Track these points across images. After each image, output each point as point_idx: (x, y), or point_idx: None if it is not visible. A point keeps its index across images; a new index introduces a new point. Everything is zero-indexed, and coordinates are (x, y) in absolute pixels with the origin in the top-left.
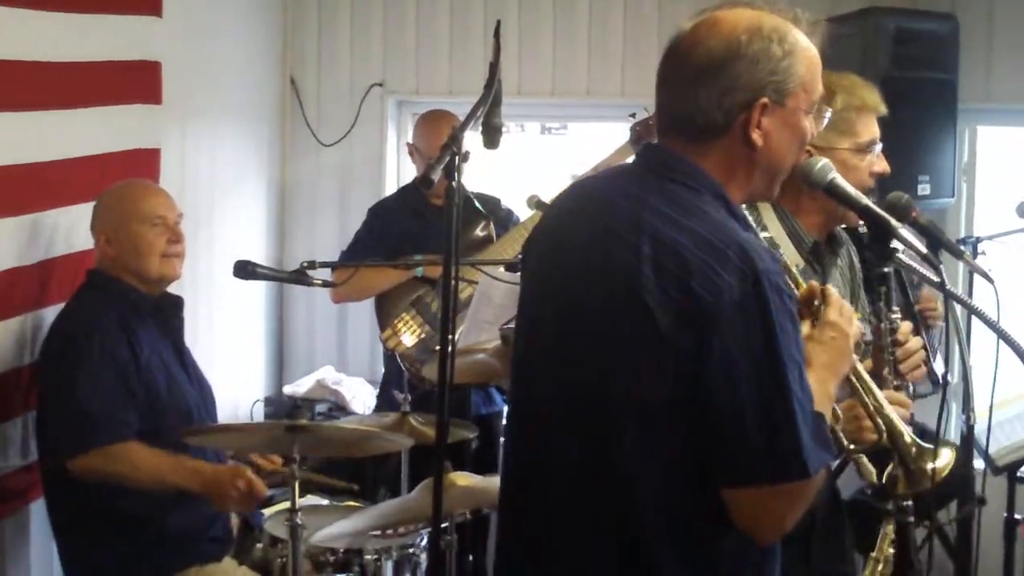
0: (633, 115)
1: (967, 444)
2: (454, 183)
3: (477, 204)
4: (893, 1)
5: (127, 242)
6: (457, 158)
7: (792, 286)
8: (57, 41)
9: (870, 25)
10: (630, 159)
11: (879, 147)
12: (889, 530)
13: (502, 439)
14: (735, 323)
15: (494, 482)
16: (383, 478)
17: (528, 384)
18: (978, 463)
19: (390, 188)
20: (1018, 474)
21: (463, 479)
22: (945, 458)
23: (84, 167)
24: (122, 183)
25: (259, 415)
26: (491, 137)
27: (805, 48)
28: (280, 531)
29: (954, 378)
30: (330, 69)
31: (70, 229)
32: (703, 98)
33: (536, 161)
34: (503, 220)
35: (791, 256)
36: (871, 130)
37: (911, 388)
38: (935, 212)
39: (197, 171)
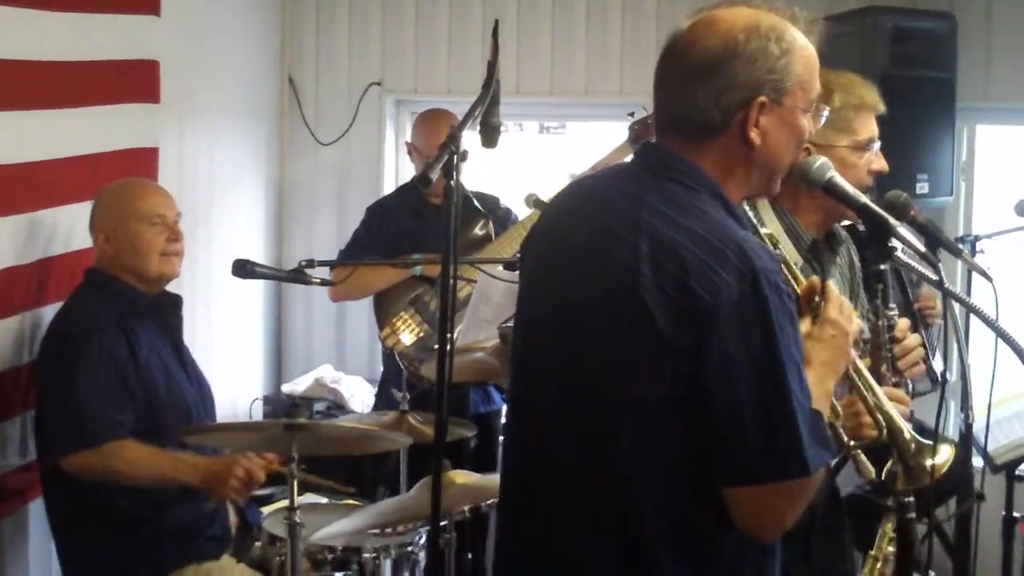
0: (632, 114)
1: (966, 442)
2: (452, 182)
3: (476, 203)
4: (891, 0)
5: (126, 241)
6: (456, 157)
7: (793, 282)
8: (55, 40)
9: (868, 24)
10: (629, 158)
11: (877, 145)
12: (888, 528)
13: (501, 437)
14: (734, 322)
15: (493, 480)
16: (382, 476)
17: (527, 383)
18: (977, 461)
19: (388, 187)
20: (1016, 472)
21: (462, 477)
22: (944, 454)
23: (82, 166)
24: (121, 182)
25: (258, 414)
26: (489, 136)
27: (803, 47)
28: (279, 529)
29: (952, 376)
30: (328, 68)
31: (68, 228)
32: (701, 97)
33: (534, 160)
34: (502, 219)
35: (790, 254)
36: (869, 128)
37: (910, 386)
38: (933, 211)
39: (195, 170)
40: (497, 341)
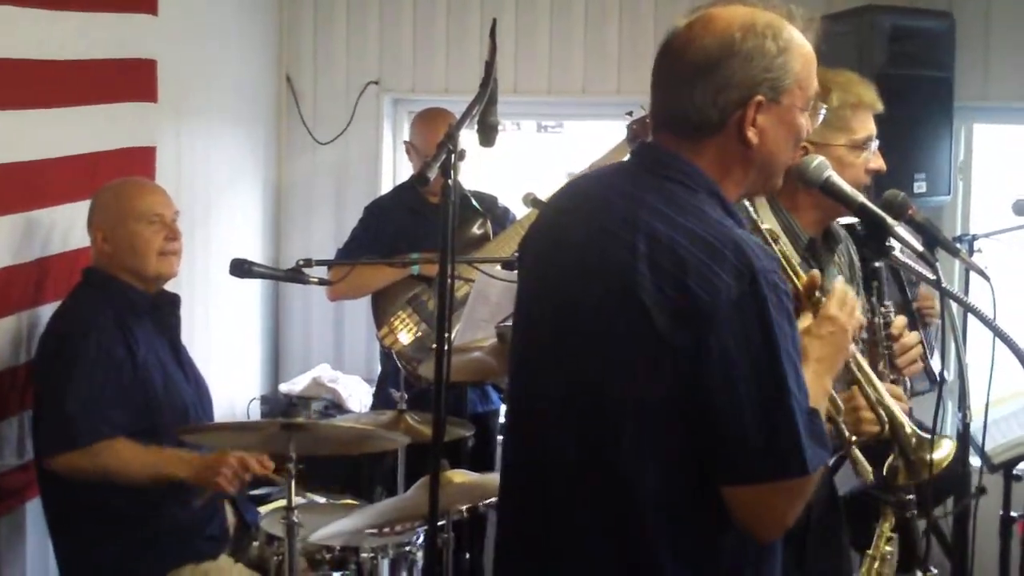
0: (630, 113)
1: (963, 441)
2: (450, 181)
3: (474, 202)
4: None
5: (124, 240)
6: (453, 156)
7: (794, 278)
8: (52, 39)
9: (866, 22)
10: (626, 157)
11: (875, 144)
12: (885, 528)
13: (499, 437)
14: (732, 322)
15: (491, 480)
16: (379, 476)
17: (525, 382)
18: (974, 461)
19: (386, 186)
20: (1014, 471)
21: (460, 477)
22: (946, 449)
23: (80, 165)
24: (118, 181)
25: (255, 413)
26: (487, 135)
27: (800, 45)
28: (276, 529)
29: (950, 376)
30: (326, 67)
31: (66, 227)
32: (698, 96)
33: (532, 159)
34: (499, 218)
35: (788, 252)
36: (867, 127)
37: (908, 385)
38: (931, 210)
39: (193, 169)
40: (495, 340)
